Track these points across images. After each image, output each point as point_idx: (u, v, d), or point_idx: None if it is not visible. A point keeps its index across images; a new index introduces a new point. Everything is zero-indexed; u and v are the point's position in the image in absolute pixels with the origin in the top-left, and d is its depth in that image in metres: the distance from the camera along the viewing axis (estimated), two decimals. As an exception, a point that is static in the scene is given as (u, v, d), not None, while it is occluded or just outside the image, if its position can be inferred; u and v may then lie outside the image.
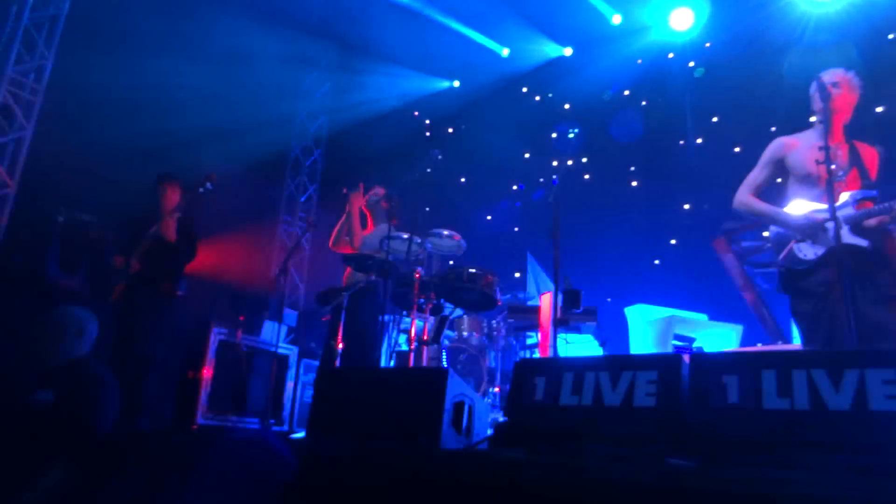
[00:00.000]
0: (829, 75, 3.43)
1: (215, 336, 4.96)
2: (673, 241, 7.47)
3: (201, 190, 4.73)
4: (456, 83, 9.80)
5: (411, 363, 4.76)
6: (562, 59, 8.94)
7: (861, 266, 3.03)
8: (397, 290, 4.94)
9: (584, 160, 8.47)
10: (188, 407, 4.61)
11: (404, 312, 5.34)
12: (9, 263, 6.24)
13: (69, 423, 3.02)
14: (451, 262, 5.62)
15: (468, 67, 9.37)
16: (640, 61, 8.30)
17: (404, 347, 5.27)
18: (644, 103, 8.52)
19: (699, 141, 7.93)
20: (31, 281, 5.60)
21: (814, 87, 3.41)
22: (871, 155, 3.43)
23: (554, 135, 8.83)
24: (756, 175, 3.60)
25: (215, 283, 7.26)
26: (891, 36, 6.46)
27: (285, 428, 5.11)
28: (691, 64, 7.82)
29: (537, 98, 9.22)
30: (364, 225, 5.38)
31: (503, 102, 9.37)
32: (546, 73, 8.95)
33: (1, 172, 6.46)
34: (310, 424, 2.78)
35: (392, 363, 5.08)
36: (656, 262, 7.88)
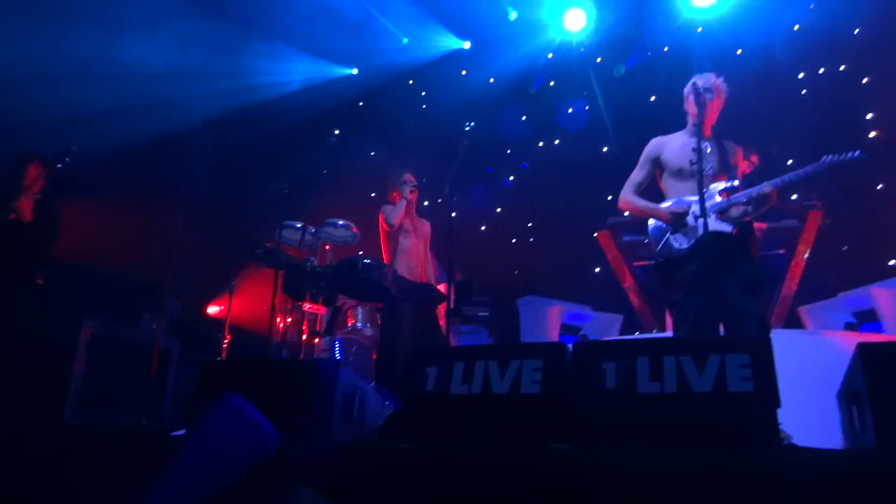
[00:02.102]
0: (703, 80, 3.73)
1: (87, 328, 4.56)
2: (561, 236, 7.77)
3: (60, 166, 4.36)
4: (354, 71, 9.66)
5: (302, 355, 4.66)
6: (461, 51, 9.05)
7: (726, 255, 3.32)
8: (289, 281, 4.80)
9: (479, 153, 8.62)
10: (53, 405, 4.21)
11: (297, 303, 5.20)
12: None
13: None
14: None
15: (367, 55, 9.25)
16: (550, 55, 8.48)
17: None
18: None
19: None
20: None
21: (688, 90, 3.70)
22: (735, 151, 3.79)
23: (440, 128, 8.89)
24: (636, 174, 3.89)
25: (91, 271, 6.70)
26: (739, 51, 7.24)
27: (166, 425, 4.82)
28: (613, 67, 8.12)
29: (435, 90, 9.27)
30: None
31: (401, 92, 9.35)
32: (444, 66, 9.03)
33: None
34: (190, 420, 2.64)
35: (282, 355, 4.94)
36: (548, 255, 8.15)
